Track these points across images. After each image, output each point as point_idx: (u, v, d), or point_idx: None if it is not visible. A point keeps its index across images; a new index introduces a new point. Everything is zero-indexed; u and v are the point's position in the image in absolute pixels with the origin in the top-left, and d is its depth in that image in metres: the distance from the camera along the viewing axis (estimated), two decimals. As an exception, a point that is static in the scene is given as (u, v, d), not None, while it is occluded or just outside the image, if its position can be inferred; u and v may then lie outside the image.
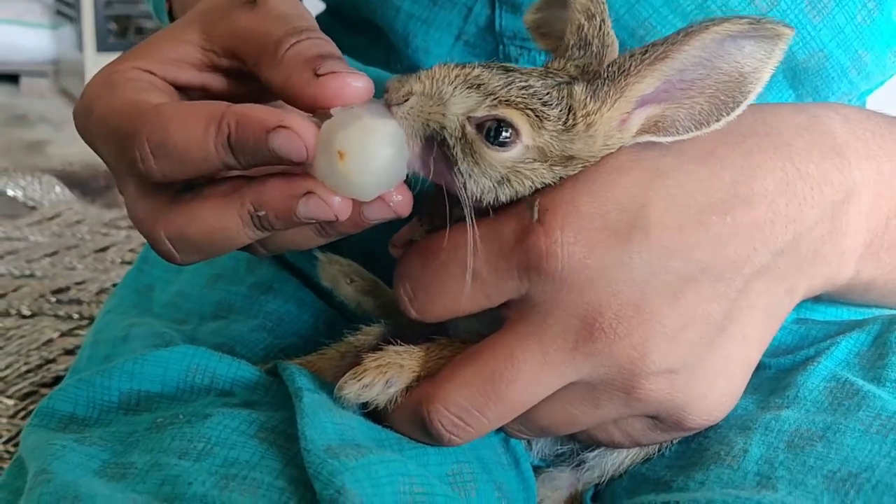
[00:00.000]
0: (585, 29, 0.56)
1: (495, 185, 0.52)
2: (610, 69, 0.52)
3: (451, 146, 0.51)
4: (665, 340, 0.51)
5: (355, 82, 0.49)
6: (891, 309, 0.67)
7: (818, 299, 0.60)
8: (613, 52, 0.56)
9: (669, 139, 0.52)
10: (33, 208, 2.11)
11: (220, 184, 0.51)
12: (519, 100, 0.51)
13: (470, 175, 0.51)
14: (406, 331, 0.57)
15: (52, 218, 1.90)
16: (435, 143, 0.51)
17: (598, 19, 0.56)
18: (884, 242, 0.57)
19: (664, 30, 0.67)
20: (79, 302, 1.40)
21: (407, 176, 0.51)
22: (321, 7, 0.90)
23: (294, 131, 0.47)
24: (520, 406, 0.52)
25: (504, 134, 0.51)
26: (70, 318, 1.34)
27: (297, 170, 0.49)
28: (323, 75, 0.49)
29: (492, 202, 0.52)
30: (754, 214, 0.52)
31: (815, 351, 0.61)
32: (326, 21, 0.90)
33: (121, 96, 0.52)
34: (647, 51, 0.50)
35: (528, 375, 0.51)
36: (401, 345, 0.55)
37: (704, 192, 0.51)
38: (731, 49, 0.50)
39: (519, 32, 0.72)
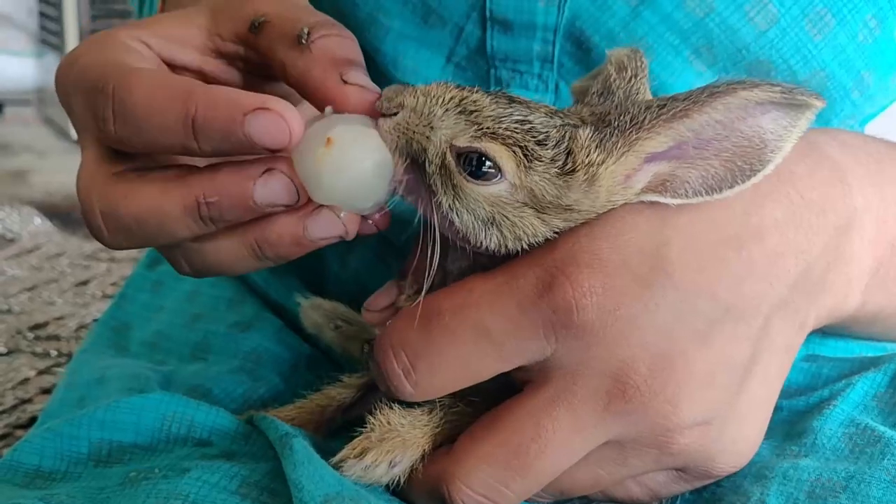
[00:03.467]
0: (613, 79, 0.53)
1: (480, 224, 0.48)
2: (622, 119, 0.48)
3: (429, 172, 0.48)
4: (697, 389, 0.47)
5: (374, 99, 0.49)
6: (896, 343, 0.65)
7: (826, 333, 0.57)
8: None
9: (677, 202, 0.48)
10: (12, 240, 2.07)
11: (169, 169, 0.49)
12: (507, 134, 0.47)
13: (451, 208, 0.48)
14: None
15: (31, 250, 1.86)
16: (418, 168, 0.48)
17: (629, 72, 0.53)
18: (889, 271, 0.55)
19: (660, 48, 0.64)
20: (57, 338, 1.36)
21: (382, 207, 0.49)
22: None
23: (277, 113, 0.44)
24: (548, 477, 0.48)
25: (484, 168, 0.47)
26: (48, 355, 1.30)
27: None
28: (350, 84, 0.48)
29: (493, 249, 0.48)
30: (766, 247, 0.49)
31: (829, 392, 0.58)
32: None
33: (107, 55, 0.50)
34: (665, 105, 0.47)
35: (558, 445, 0.47)
36: (402, 409, 0.50)
37: (718, 226, 0.48)
38: (756, 113, 0.47)
39: (510, 54, 0.69)
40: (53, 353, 1.30)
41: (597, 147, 0.48)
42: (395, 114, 0.48)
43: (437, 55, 0.72)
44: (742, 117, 0.47)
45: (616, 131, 0.48)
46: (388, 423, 0.50)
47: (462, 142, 0.47)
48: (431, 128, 0.48)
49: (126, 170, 0.49)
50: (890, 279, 0.55)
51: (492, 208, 0.48)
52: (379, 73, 0.75)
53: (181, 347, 0.73)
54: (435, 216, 0.48)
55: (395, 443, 0.49)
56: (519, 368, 0.49)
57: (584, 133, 0.48)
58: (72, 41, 3.85)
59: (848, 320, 0.55)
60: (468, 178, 0.47)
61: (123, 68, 0.48)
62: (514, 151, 0.47)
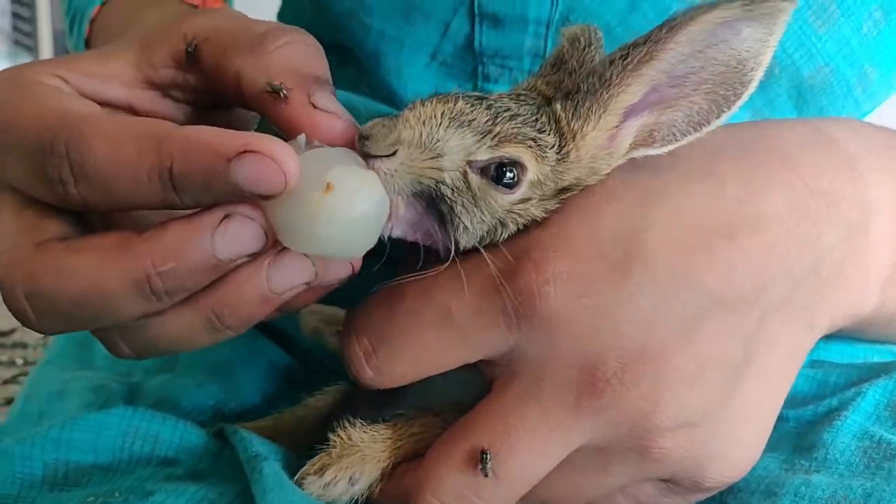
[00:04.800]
0: (566, 49, 0.51)
1: (488, 232, 0.45)
2: (589, 81, 0.46)
3: (450, 200, 0.44)
4: (680, 387, 0.44)
5: (345, 127, 0.43)
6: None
7: (830, 336, 0.54)
8: None
9: (668, 148, 0.46)
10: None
11: (106, 234, 0.41)
12: (515, 132, 0.45)
13: (466, 228, 0.44)
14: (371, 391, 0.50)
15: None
16: (423, 201, 0.44)
17: (582, 43, 0.50)
18: None
19: None
20: (24, 346, 1.32)
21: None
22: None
23: (267, 155, 0.38)
24: (523, 483, 0.45)
25: (509, 175, 0.44)
26: (13, 363, 1.26)
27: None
28: (320, 110, 0.42)
29: (487, 241, 0.46)
30: (765, 237, 0.46)
31: (838, 402, 0.55)
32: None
33: (38, 100, 0.43)
34: (627, 54, 0.44)
35: (530, 445, 0.44)
36: (364, 424, 0.48)
37: (707, 214, 0.45)
38: (727, 35, 0.44)
39: (500, 50, 0.66)
40: (19, 361, 1.26)
41: (573, 116, 0.46)
42: (394, 153, 0.43)
43: (420, 53, 0.69)
44: (712, 43, 0.44)
45: (587, 95, 0.45)
46: (349, 438, 0.47)
47: (481, 155, 0.44)
48: (439, 157, 0.44)
49: (52, 238, 0.42)
50: None
51: (506, 213, 0.45)
52: (360, 71, 0.72)
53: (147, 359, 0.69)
54: (440, 239, 0.45)
55: (355, 458, 0.47)
56: (487, 363, 0.46)
57: (559, 106, 0.46)
58: (45, 42, 3.80)
59: (864, 321, 0.52)
60: (496, 188, 0.44)
61: (69, 117, 0.41)
62: (529, 146, 0.45)
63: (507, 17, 0.64)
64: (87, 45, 0.73)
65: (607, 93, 0.45)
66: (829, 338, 0.55)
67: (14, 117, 0.42)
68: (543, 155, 0.45)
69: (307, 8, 0.76)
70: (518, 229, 0.46)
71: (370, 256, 0.44)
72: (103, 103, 0.47)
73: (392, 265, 0.47)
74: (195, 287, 0.41)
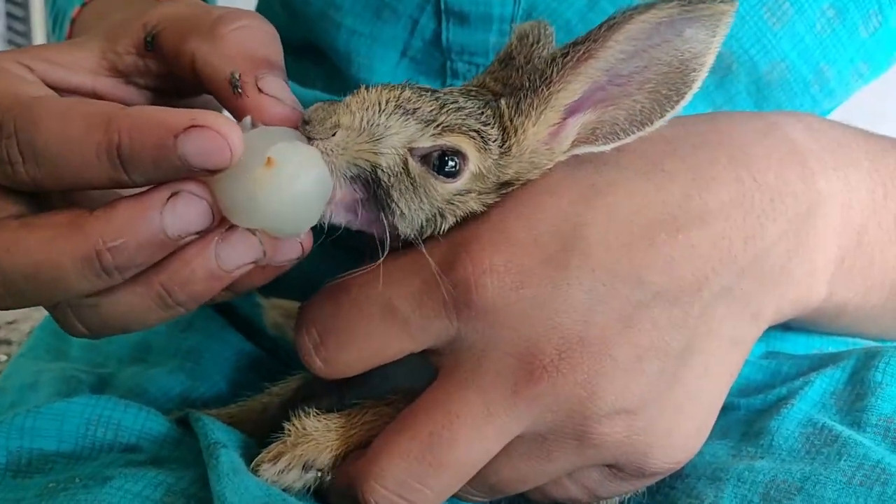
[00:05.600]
0: (514, 46, 0.52)
1: (427, 221, 0.46)
2: (531, 78, 0.46)
3: (387, 185, 0.45)
4: (617, 376, 0.45)
5: (289, 112, 0.44)
6: (862, 338, 0.63)
7: (787, 327, 0.55)
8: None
9: (611, 146, 0.47)
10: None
11: (60, 212, 0.42)
12: (460, 123, 0.45)
13: (403, 214, 0.45)
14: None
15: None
16: (361, 186, 0.45)
17: (530, 39, 0.51)
18: (856, 261, 0.52)
19: None
20: (8, 342, 1.32)
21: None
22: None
23: (214, 130, 0.39)
24: (466, 470, 0.46)
25: (450, 164, 0.45)
26: (-3, 360, 1.26)
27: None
28: (266, 94, 0.44)
29: (415, 237, 0.46)
30: (710, 231, 0.46)
31: (787, 390, 0.56)
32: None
33: None
34: (567, 52, 0.45)
35: (470, 431, 0.45)
36: (319, 413, 0.49)
37: (651, 209, 0.46)
38: (669, 36, 0.45)
39: (467, 47, 0.67)
40: (3, 357, 1.26)
41: (516, 112, 0.46)
42: (334, 135, 0.44)
43: (391, 50, 0.70)
44: (655, 44, 0.45)
45: (529, 91, 0.46)
46: (304, 427, 0.48)
47: (423, 142, 0.45)
48: (378, 140, 0.45)
49: (8, 217, 0.42)
50: (856, 269, 0.52)
51: (446, 203, 0.46)
52: (334, 69, 0.73)
53: (121, 350, 0.70)
54: (380, 226, 0.46)
55: (309, 447, 0.48)
56: (433, 352, 0.47)
57: (504, 102, 0.47)
58: (39, 41, 3.79)
59: (813, 313, 0.53)
60: (437, 176, 0.45)
61: (20, 99, 0.42)
62: (471, 138, 0.45)
63: (473, 15, 0.65)
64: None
65: (548, 90, 0.46)
66: (785, 329, 0.56)
67: None
68: (486, 147, 0.46)
69: (279, 11, 0.77)
70: (457, 221, 0.47)
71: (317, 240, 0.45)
72: (69, 90, 0.48)
73: (344, 254, 0.49)
74: (145, 263, 0.41)
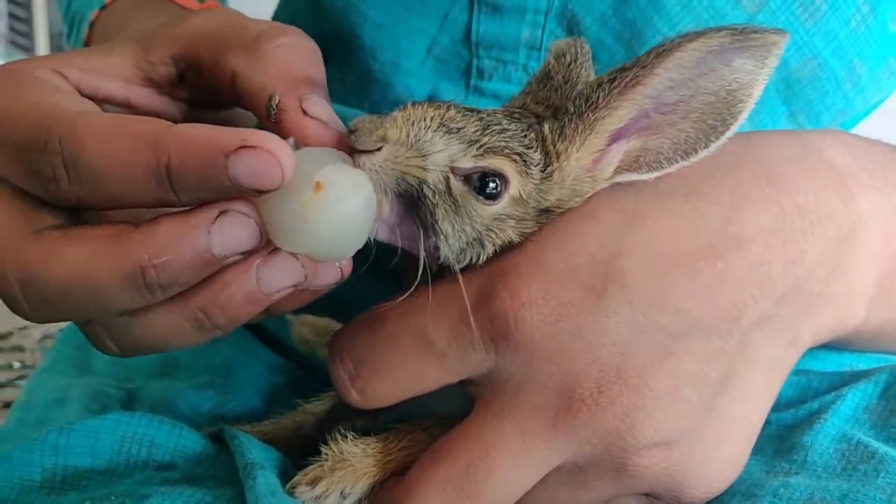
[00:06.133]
0: (551, 65, 0.51)
1: (467, 245, 0.46)
2: (577, 102, 0.46)
3: (431, 203, 0.44)
4: (656, 408, 0.44)
5: (333, 135, 0.44)
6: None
7: (819, 347, 0.55)
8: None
9: (654, 175, 0.46)
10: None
11: (102, 226, 0.41)
12: (503, 145, 0.45)
13: (447, 236, 0.45)
14: None
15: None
16: (406, 203, 0.45)
17: (567, 58, 0.51)
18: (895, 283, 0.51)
19: (648, 32, 0.63)
20: (21, 349, 1.31)
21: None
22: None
23: (266, 150, 0.38)
24: (502, 501, 0.46)
25: (491, 185, 0.45)
26: (10, 367, 1.26)
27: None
28: (311, 117, 0.43)
29: (453, 264, 0.46)
30: (748, 257, 0.46)
31: (819, 405, 0.56)
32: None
33: (30, 96, 0.43)
34: (615, 78, 0.45)
35: (508, 463, 0.44)
36: (356, 437, 0.49)
37: (689, 236, 0.45)
38: (716, 65, 0.45)
39: (497, 41, 0.66)
40: (17, 364, 1.26)
41: (559, 138, 0.46)
42: (379, 149, 0.44)
43: (417, 46, 0.69)
44: (703, 72, 0.45)
45: (574, 116, 0.46)
46: (341, 452, 0.48)
47: (465, 163, 0.45)
48: (424, 157, 0.44)
49: (49, 227, 0.42)
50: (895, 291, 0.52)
51: (486, 229, 0.45)
52: (358, 65, 0.73)
53: (147, 363, 0.70)
54: (421, 247, 0.45)
55: (347, 472, 0.48)
56: (469, 382, 0.47)
57: (547, 128, 0.46)
58: (42, 43, 3.78)
59: (850, 336, 0.52)
60: (477, 198, 0.45)
61: (64, 114, 0.41)
62: (514, 161, 0.45)
63: (506, 6, 0.65)
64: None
65: (593, 115, 0.45)
66: (817, 347, 0.55)
67: (8, 111, 0.42)
68: (528, 171, 0.46)
69: (304, 5, 0.77)
70: (495, 251, 0.46)
71: (358, 265, 0.45)
72: (101, 98, 0.48)
73: (386, 281, 0.48)
74: (188, 283, 0.41)
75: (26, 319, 0.44)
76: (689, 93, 0.45)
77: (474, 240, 0.46)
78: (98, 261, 0.40)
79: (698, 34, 0.43)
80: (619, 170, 0.47)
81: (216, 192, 0.40)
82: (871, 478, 0.49)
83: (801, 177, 0.49)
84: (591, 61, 0.52)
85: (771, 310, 0.47)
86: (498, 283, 0.44)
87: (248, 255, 0.42)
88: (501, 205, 0.45)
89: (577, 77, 0.50)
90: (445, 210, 0.45)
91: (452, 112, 0.45)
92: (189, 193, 0.40)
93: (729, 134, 0.46)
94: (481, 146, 0.45)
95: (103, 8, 0.74)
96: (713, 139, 0.46)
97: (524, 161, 0.45)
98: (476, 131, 0.45)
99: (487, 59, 0.67)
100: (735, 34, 0.43)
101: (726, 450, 0.48)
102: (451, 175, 0.45)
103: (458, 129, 0.45)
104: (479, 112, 0.46)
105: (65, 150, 0.40)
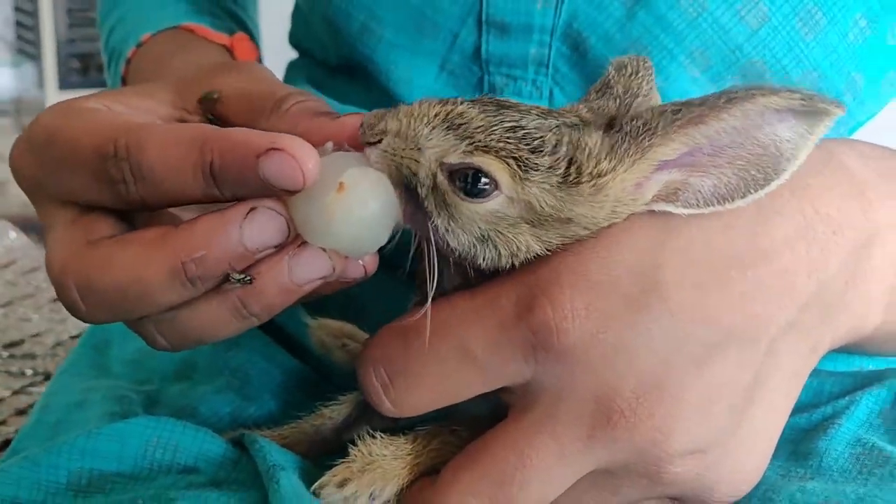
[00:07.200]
0: (612, 76, 0.51)
1: (476, 242, 0.46)
2: (633, 124, 0.45)
3: (422, 196, 0.45)
4: (691, 418, 0.45)
5: (355, 121, 0.48)
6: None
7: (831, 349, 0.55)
8: (641, 103, 0.50)
9: (688, 211, 0.46)
10: (-14, 255, 2.02)
11: (149, 229, 0.46)
12: (499, 145, 0.44)
13: (447, 229, 0.45)
14: None
15: (6, 265, 1.81)
16: (410, 196, 0.46)
17: (629, 70, 0.51)
18: None
19: (655, 50, 0.63)
20: (33, 356, 1.32)
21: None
22: (289, 54, 0.88)
23: (289, 153, 0.42)
24: None
25: (483, 181, 0.45)
26: (23, 374, 1.26)
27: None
28: (342, 116, 0.48)
29: (486, 266, 0.46)
30: (776, 266, 0.47)
31: (832, 409, 0.57)
32: (300, 65, 0.86)
33: (92, 121, 0.48)
34: (680, 110, 0.45)
35: (543, 474, 0.45)
36: (385, 438, 0.49)
37: (721, 246, 0.46)
38: (773, 120, 0.45)
39: (505, 59, 0.67)
40: (29, 371, 1.26)
41: (607, 155, 0.45)
42: (380, 140, 0.46)
43: (430, 64, 0.71)
44: (759, 125, 0.45)
45: (628, 137, 0.45)
46: (370, 453, 0.48)
47: (453, 158, 0.45)
48: (419, 149, 0.45)
49: (102, 237, 0.47)
50: None
51: (487, 225, 0.45)
52: (371, 83, 0.74)
53: (164, 366, 0.71)
54: (432, 239, 0.46)
55: (377, 474, 0.48)
56: (504, 390, 0.47)
57: (595, 139, 0.46)
58: (49, 50, 3.81)
59: (864, 340, 0.53)
60: (463, 196, 0.45)
61: (130, 125, 0.46)
62: (507, 163, 0.44)
63: (513, 26, 0.66)
64: (124, 82, 0.80)
65: (648, 141, 0.45)
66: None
67: (71, 137, 0.47)
68: (524, 175, 0.45)
69: (319, 29, 0.78)
70: (522, 260, 0.46)
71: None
72: None
73: (393, 276, 0.49)
74: (221, 269, 0.44)
75: (82, 321, 0.48)
76: (742, 141, 0.45)
77: (481, 238, 0.45)
78: (147, 260, 0.44)
79: (773, 91, 0.44)
80: (657, 198, 0.47)
81: (253, 189, 0.44)
82: (886, 481, 0.50)
83: (822, 186, 0.49)
84: (653, 76, 0.52)
85: (795, 317, 0.47)
86: (539, 294, 0.45)
87: (279, 248, 0.45)
88: (490, 205, 0.45)
89: (638, 89, 0.50)
90: (436, 204, 0.45)
91: (463, 108, 0.45)
92: (231, 189, 0.44)
93: (769, 189, 0.46)
94: (472, 143, 0.45)
95: (139, 45, 0.79)
96: (752, 190, 0.46)
97: (519, 164, 0.44)
98: (478, 128, 0.45)
99: (498, 76, 0.69)
100: (804, 99, 0.44)
101: (753, 455, 0.48)
102: (438, 170, 0.45)
103: (460, 124, 0.45)
104: (506, 108, 0.46)
105: (131, 155, 0.45)
